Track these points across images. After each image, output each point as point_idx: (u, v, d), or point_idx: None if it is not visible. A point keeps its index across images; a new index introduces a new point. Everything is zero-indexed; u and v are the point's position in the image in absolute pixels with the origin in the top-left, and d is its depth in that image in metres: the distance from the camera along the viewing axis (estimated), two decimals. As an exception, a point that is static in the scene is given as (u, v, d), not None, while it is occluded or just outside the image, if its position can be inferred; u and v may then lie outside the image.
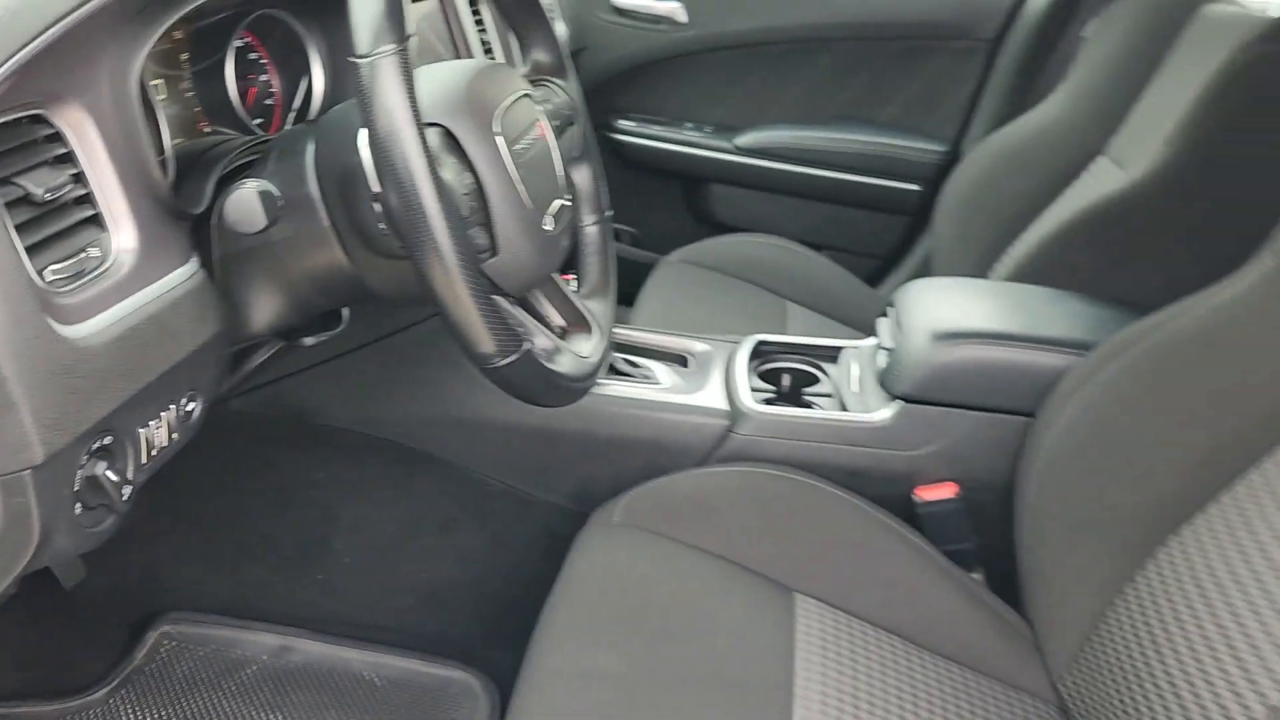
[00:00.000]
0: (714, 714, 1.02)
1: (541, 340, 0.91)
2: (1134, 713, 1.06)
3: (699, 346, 1.52)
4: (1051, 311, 1.36)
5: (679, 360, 1.50)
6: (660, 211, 2.40)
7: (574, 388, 0.94)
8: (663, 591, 1.16)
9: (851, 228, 2.27)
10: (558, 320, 1.01)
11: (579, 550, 1.21)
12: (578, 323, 1.02)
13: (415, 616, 1.44)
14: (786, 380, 1.46)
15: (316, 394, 1.32)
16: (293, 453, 1.36)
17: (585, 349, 1.00)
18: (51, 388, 0.67)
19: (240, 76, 1.05)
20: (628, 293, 1.84)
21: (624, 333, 1.51)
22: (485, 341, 0.80)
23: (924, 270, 2.13)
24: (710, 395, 1.40)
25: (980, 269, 1.70)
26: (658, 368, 1.45)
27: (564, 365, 0.92)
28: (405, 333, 1.29)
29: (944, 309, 1.36)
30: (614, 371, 1.41)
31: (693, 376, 1.44)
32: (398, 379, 1.32)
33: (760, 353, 1.50)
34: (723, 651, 1.10)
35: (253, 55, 1.07)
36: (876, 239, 2.26)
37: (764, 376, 1.47)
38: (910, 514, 1.33)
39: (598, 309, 1.07)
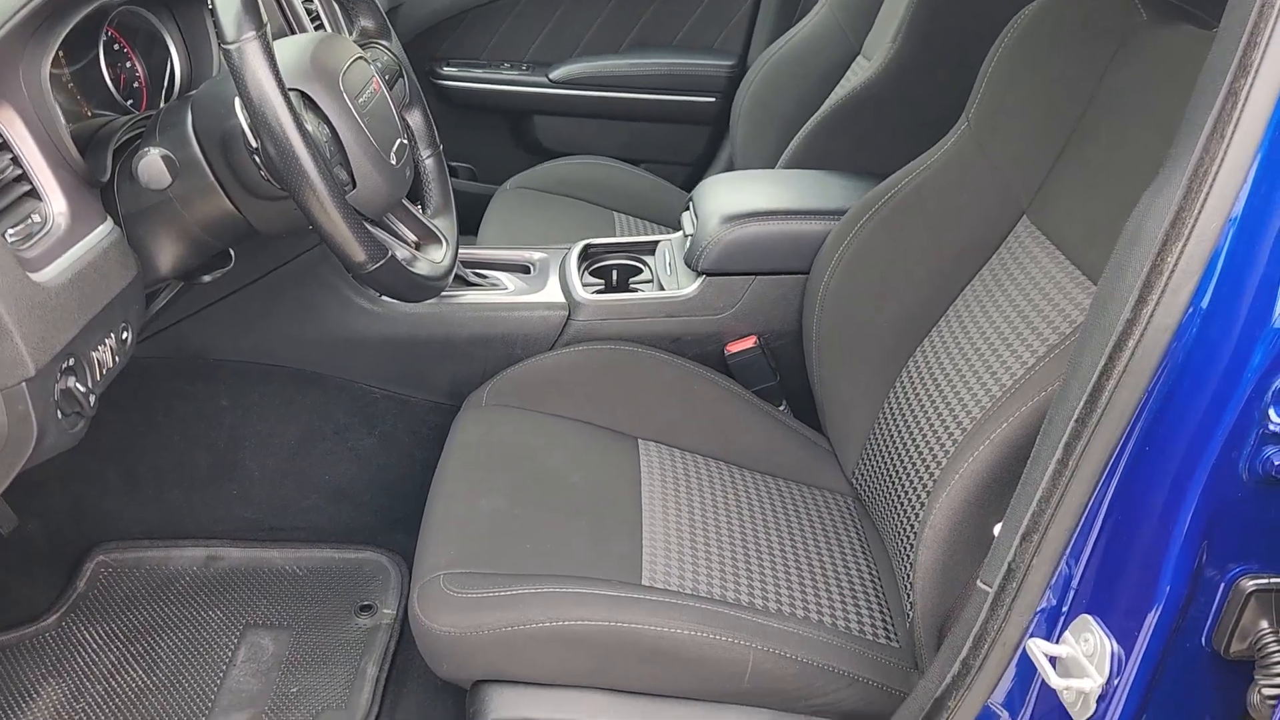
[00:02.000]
0: (582, 527, 1.30)
1: (401, 251, 1.15)
2: (890, 476, 1.39)
3: (537, 255, 1.78)
4: (815, 189, 1.67)
5: (521, 269, 1.75)
6: (491, 146, 2.62)
7: (433, 285, 1.19)
8: (531, 448, 1.43)
9: (662, 141, 2.55)
10: (411, 236, 1.25)
11: (457, 429, 1.47)
12: (428, 237, 1.27)
13: (325, 513, 1.67)
14: (614, 275, 1.74)
15: (212, 333, 1.53)
16: (197, 388, 1.57)
17: (437, 256, 1.25)
18: (32, 318, 0.88)
19: (110, 65, 1.23)
20: (471, 221, 2.08)
21: (471, 252, 1.76)
22: (358, 252, 1.04)
23: (728, 170, 2.43)
24: (550, 293, 1.66)
25: (769, 163, 2.00)
26: (503, 276, 1.70)
27: (422, 269, 1.17)
28: (285, 267, 1.50)
29: (730, 197, 1.65)
30: (465, 284, 1.65)
31: (534, 280, 1.70)
32: (281, 310, 1.54)
33: (590, 255, 1.76)
34: (584, 487, 1.38)
35: (117, 47, 1.26)
36: (685, 148, 2.54)
37: (596, 274, 1.74)
38: (724, 366, 1.63)
39: (443, 225, 1.32)
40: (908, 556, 1.26)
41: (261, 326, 1.55)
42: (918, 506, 1.25)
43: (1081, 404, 0.80)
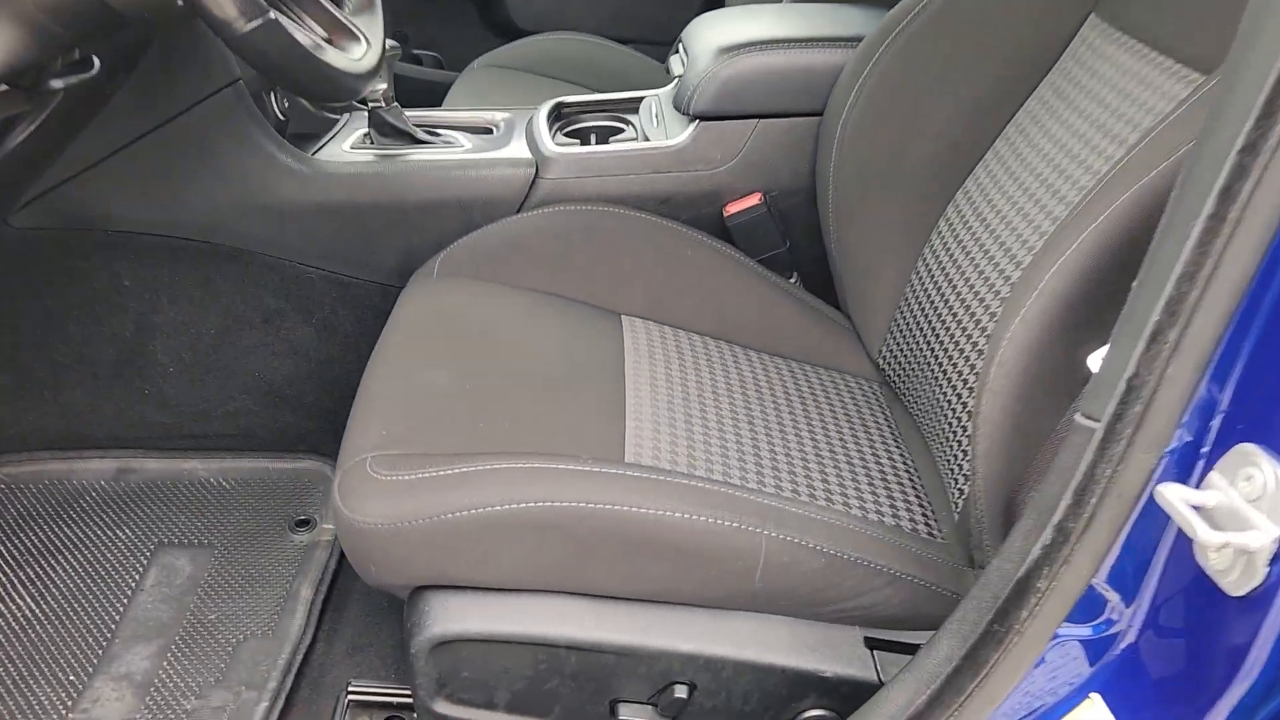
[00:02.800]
0: (549, 404, 1.05)
1: (302, 36, 0.89)
2: (931, 338, 1.14)
3: (500, 115, 1.51)
4: (822, 17, 1.40)
5: (482, 130, 1.49)
6: (458, 28, 2.35)
7: (342, 81, 0.93)
8: (490, 321, 1.18)
9: (649, 17, 2.27)
10: (320, 30, 0.99)
11: (401, 304, 1.21)
12: (342, 32, 1.01)
13: (255, 416, 1.43)
14: (593, 138, 1.47)
15: (105, 197, 1.27)
16: (92, 264, 1.31)
17: (355, 53, 0.99)
18: None
19: None
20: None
21: (424, 113, 1.50)
22: (226, 5, 0.78)
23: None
24: (515, 149, 1.40)
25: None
26: (460, 136, 1.44)
27: (331, 58, 0.91)
28: (188, 114, 1.24)
29: (726, 29, 1.39)
30: (415, 141, 1.39)
31: (497, 140, 1.44)
32: (187, 170, 1.28)
33: (563, 114, 1.50)
34: (554, 363, 1.13)
35: None
36: (675, 25, 2.26)
37: (571, 135, 1.48)
38: (723, 230, 1.37)
39: (364, 23, 1.05)
40: (958, 422, 1.01)
41: (164, 190, 1.29)
42: (972, 355, 0.99)
43: (1251, 124, 0.54)
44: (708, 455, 1.03)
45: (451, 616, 0.88)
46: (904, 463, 1.13)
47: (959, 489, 1.03)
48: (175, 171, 1.28)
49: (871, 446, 1.15)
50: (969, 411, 1.00)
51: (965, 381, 1.02)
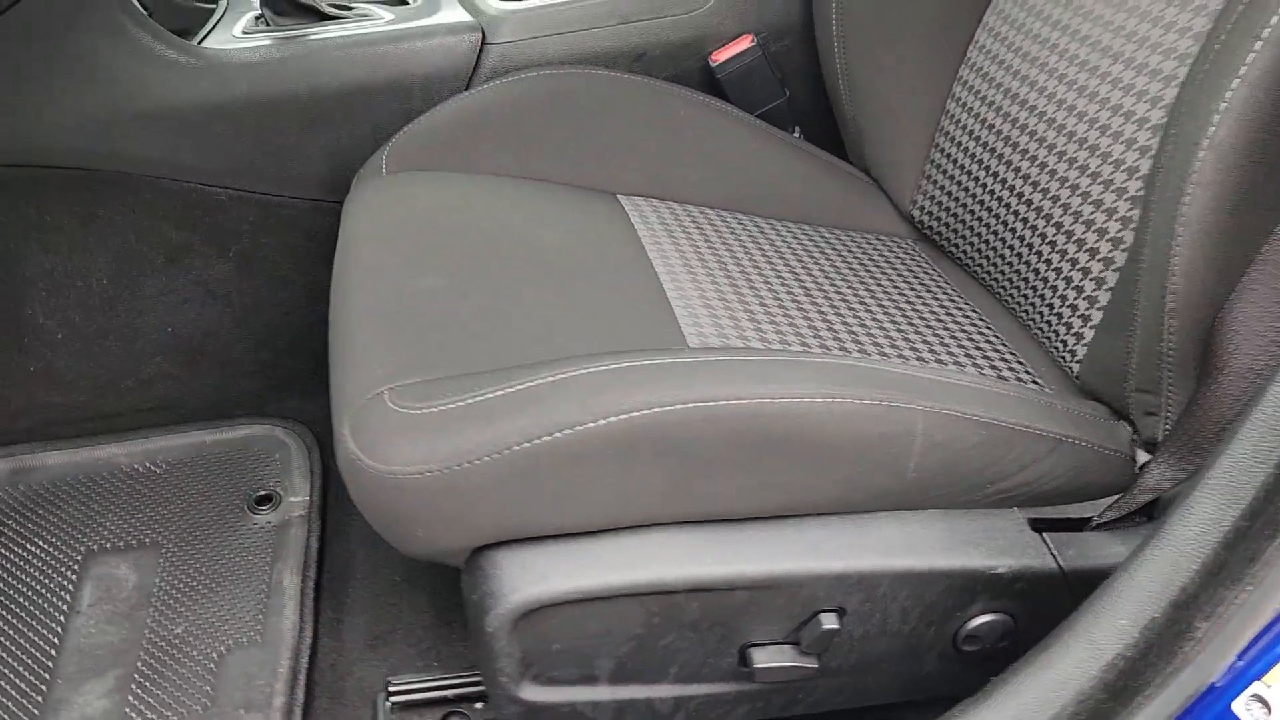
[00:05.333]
0: (579, 297, 0.84)
1: None
2: (963, 199, 0.98)
3: (415, -18, 1.26)
4: None
5: (398, 1, 1.23)
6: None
7: None
8: (471, 216, 0.95)
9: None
10: None
11: (351, 212, 0.97)
12: None
13: (176, 383, 1.16)
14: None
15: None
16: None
17: None
18: None
19: None
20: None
21: (321, -10, 1.22)
22: None
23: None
24: (449, 14, 1.15)
25: None
26: (372, 8, 1.18)
27: None
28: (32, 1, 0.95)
29: None
30: (320, 16, 1.13)
31: (421, 8, 1.19)
32: (42, 73, 0.99)
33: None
34: (563, 251, 0.92)
35: None
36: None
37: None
38: (710, 84, 1.17)
39: None
40: (1075, 255, 0.84)
41: (20, 110, 1.00)
42: (1105, 155, 0.82)
43: None
44: (780, 331, 0.84)
45: (535, 577, 0.67)
46: (979, 318, 0.96)
47: (1074, 335, 0.87)
48: (24, 76, 0.99)
49: (942, 305, 0.98)
50: (1106, 236, 0.83)
51: (1094, 198, 0.84)
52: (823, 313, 0.90)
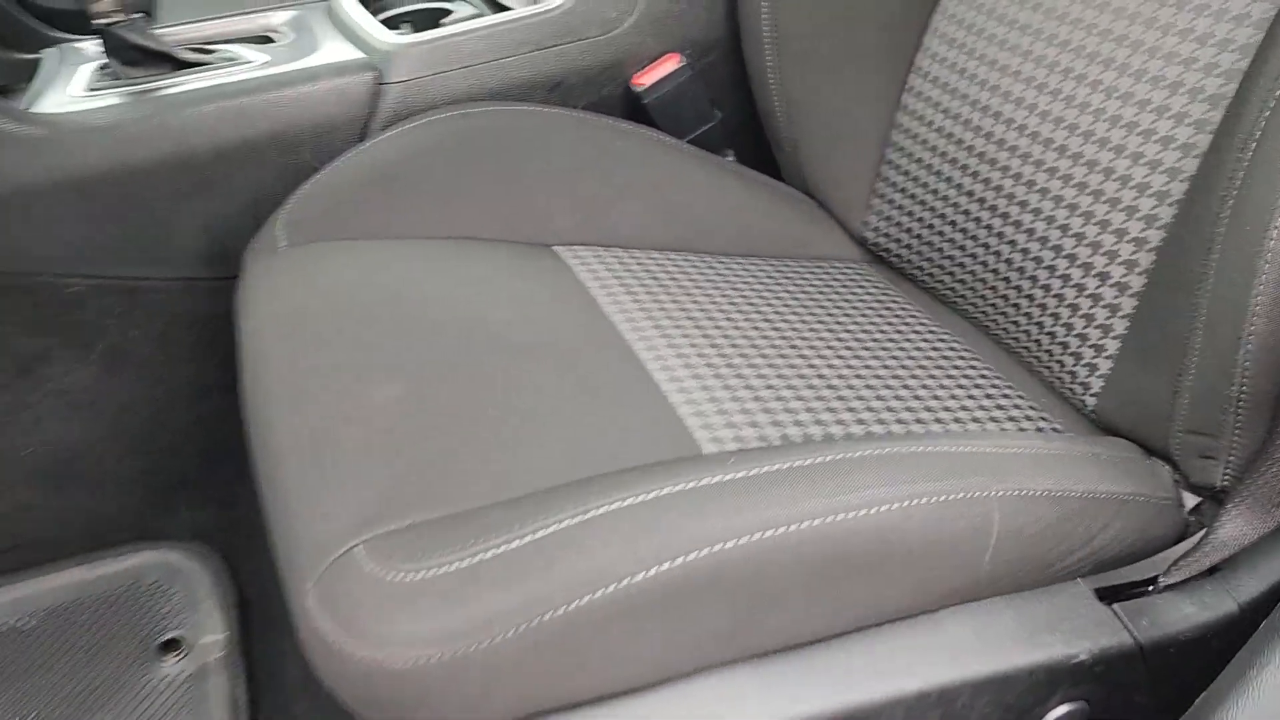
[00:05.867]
0: (564, 391, 0.71)
1: None
2: (927, 219, 0.90)
3: (280, 17, 1.09)
4: None
5: (258, 40, 1.07)
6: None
7: None
8: (399, 293, 0.81)
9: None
10: None
11: (249, 300, 0.81)
12: None
13: (40, 514, 0.97)
14: (410, 30, 1.08)
15: None
16: None
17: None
18: None
19: None
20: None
21: (169, 29, 1.04)
22: None
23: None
24: (332, 52, 1.00)
25: None
26: (238, 49, 1.02)
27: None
28: None
29: None
30: (177, 64, 0.95)
31: (291, 48, 1.02)
32: None
33: (366, 3, 1.10)
34: (522, 328, 0.79)
35: None
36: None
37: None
38: (635, 110, 1.05)
39: None
40: (1079, 275, 0.77)
41: None
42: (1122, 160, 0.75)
43: None
44: (790, 409, 0.74)
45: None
46: (968, 353, 0.89)
47: (1085, 366, 0.80)
48: None
49: (930, 344, 0.89)
50: (1118, 259, 0.76)
51: (1108, 197, 0.77)
52: (823, 376, 0.80)
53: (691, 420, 0.71)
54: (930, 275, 0.97)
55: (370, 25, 1.00)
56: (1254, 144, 0.61)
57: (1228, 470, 0.68)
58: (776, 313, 0.90)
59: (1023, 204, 0.85)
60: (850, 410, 0.76)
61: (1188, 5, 0.74)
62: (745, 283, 0.94)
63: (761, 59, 1.02)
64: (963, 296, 0.93)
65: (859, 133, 1.01)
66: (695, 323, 0.84)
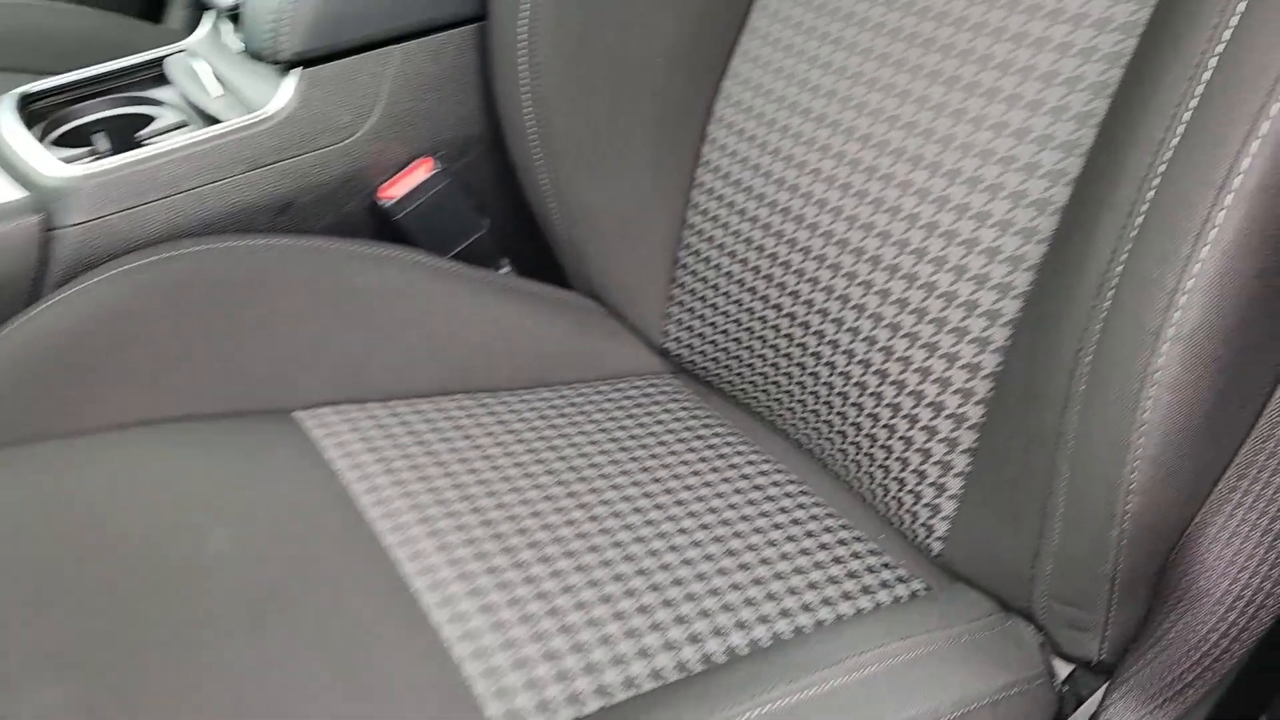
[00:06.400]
0: (302, 632, 0.55)
1: None
2: (732, 331, 0.80)
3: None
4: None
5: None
6: None
7: None
8: (81, 531, 0.62)
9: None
10: None
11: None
12: None
13: None
14: (105, 143, 0.89)
15: None
16: None
17: None
18: None
19: None
20: None
21: None
22: None
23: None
24: (-16, 190, 0.79)
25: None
26: None
27: None
28: None
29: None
30: None
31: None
32: None
33: (38, 112, 0.90)
34: (245, 559, 0.62)
35: None
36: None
37: (65, 144, 0.88)
38: (384, 229, 0.89)
39: None
40: (913, 406, 0.66)
41: None
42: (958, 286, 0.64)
43: None
44: (603, 628, 0.60)
45: None
46: (794, 484, 0.78)
47: (927, 507, 0.69)
48: None
49: (748, 480, 0.78)
50: (951, 388, 0.65)
51: (944, 331, 0.66)
52: (631, 558, 0.67)
53: (471, 667, 0.56)
54: (743, 391, 0.85)
55: (31, 151, 0.80)
56: (1115, 282, 0.50)
57: (1105, 645, 0.58)
58: (571, 468, 0.76)
59: (836, 320, 0.74)
60: (669, 608, 0.63)
61: (1018, 103, 0.64)
62: (533, 429, 0.80)
63: (529, 156, 0.88)
64: (781, 417, 0.82)
65: (647, 233, 0.89)
66: (472, 503, 0.69)
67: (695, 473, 0.78)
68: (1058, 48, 0.62)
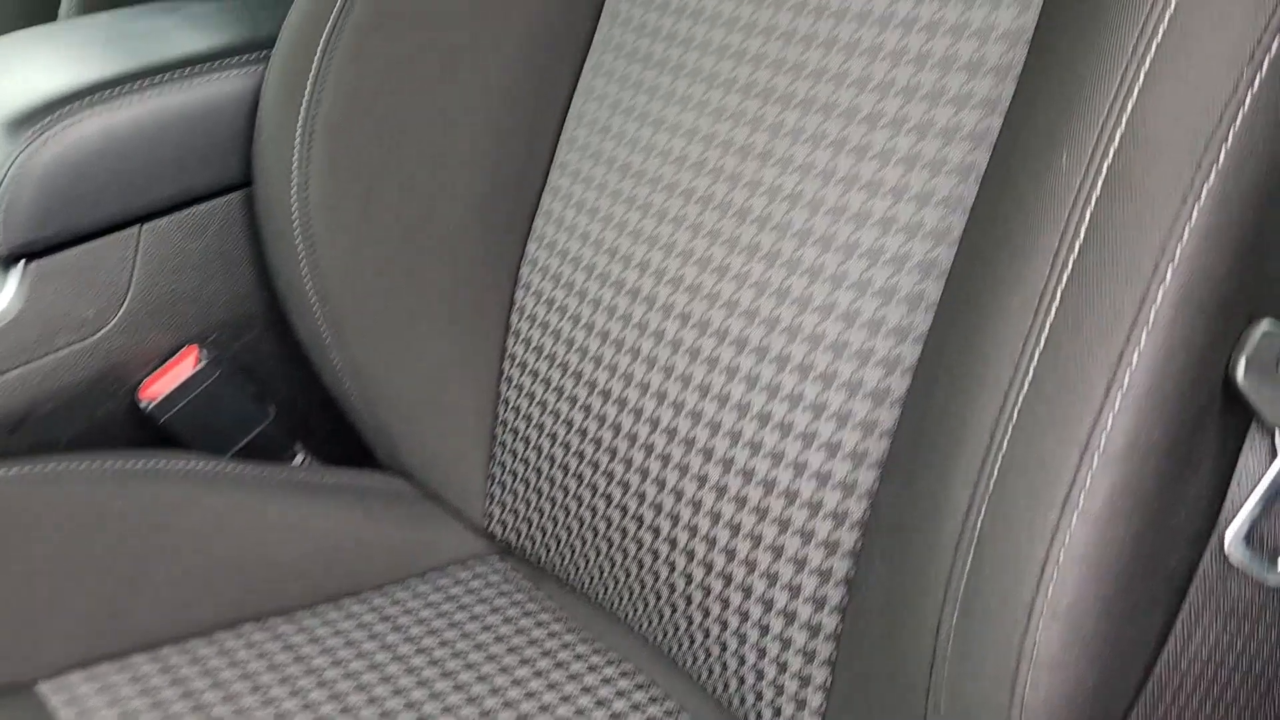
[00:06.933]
0: None
1: None
2: (561, 520, 0.71)
3: None
4: (183, 22, 0.82)
5: None
6: None
7: None
8: None
9: None
10: None
11: None
12: None
13: None
14: None
15: None
16: None
17: None
18: None
19: None
20: None
21: None
22: None
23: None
24: None
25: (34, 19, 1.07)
26: None
27: None
28: None
29: (16, 80, 0.75)
30: None
31: None
32: None
33: None
34: None
35: None
36: None
37: None
38: (153, 432, 0.77)
39: None
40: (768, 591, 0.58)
41: None
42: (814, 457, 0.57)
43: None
44: None
45: None
46: (641, 690, 0.69)
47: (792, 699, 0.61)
48: None
49: (590, 694, 0.68)
50: (802, 596, 0.58)
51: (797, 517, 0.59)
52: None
53: None
54: (580, 581, 0.76)
55: None
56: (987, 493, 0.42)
57: None
58: (372, 700, 0.65)
59: (670, 514, 0.65)
60: None
61: (850, 277, 0.57)
62: (334, 660, 0.69)
63: (316, 334, 0.77)
64: (624, 610, 0.73)
65: (458, 407, 0.79)
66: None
67: (517, 682, 0.68)
68: (890, 262, 0.56)
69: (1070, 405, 0.36)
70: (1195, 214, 0.35)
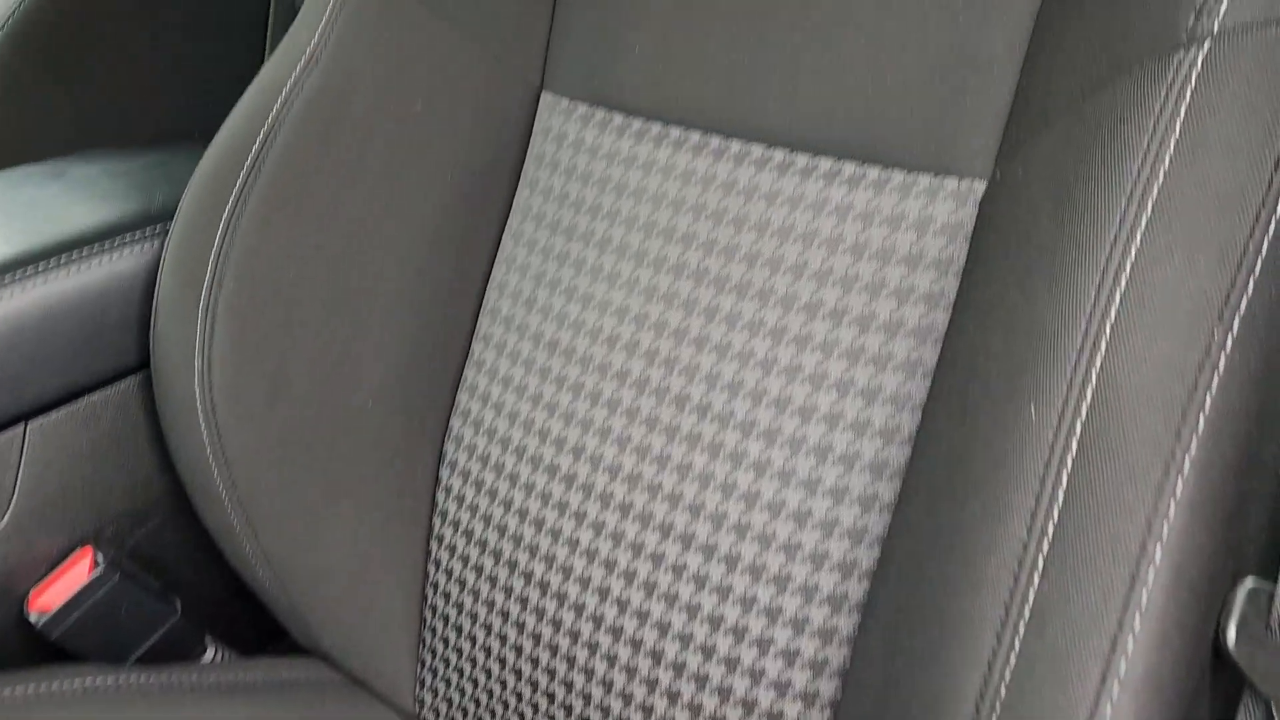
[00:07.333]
0: None
1: None
2: (500, 713, 0.67)
3: None
4: (76, 195, 0.77)
5: None
6: None
7: None
8: None
9: None
10: None
11: None
12: None
13: None
14: None
15: None
16: None
17: None
18: None
19: None
20: None
21: None
22: None
23: None
24: None
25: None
26: None
27: None
28: None
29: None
30: None
31: None
32: None
33: None
34: None
35: None
36: None
37: None
38: (41, 647, 0.70)
39: None
40: None
41: None
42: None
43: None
44: None
45: None
46: None
47: None
48: None
49: None
50: None
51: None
52: None
53: None
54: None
55: None
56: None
57: None
58: None
59: (619, 718, 0.61)
60: None
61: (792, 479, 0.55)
62: None
63: (225, 522, 0.71)
64: None
65: (382, 591, 0.74)
66: None
67: None
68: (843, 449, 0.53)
69: (1063, 694, 0.34)
70: (1180, 487, 0.33)
